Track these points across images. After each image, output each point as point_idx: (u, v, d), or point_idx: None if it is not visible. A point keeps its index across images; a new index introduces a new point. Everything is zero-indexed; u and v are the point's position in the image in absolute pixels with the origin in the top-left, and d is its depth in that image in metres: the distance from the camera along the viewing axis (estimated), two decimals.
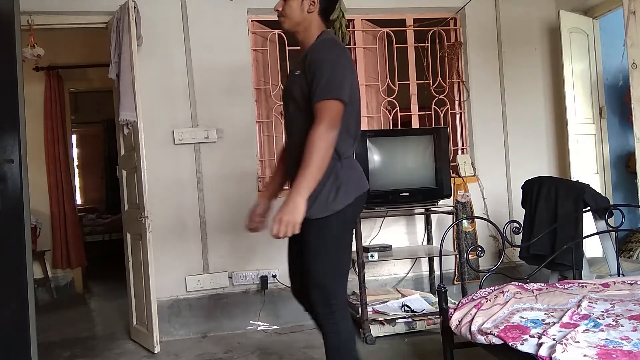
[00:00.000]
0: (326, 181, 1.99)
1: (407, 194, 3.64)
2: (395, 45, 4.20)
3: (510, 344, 1.89)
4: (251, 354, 3.32)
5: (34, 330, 2.29)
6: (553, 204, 3.24)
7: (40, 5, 3.54)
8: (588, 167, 4.16)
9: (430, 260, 4.03)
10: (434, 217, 4.07)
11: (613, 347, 1.71)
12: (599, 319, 1.98)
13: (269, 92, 4.05)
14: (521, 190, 3.54)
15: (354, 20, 4.13)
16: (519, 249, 3.35)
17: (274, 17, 2.22)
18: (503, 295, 2.37)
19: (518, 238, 3.17)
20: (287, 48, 3.91)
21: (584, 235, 3.08)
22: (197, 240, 3.81)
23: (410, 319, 3.45)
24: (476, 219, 3.93)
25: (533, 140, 4.35)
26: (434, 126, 4.18)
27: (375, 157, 3.61)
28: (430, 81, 4.25)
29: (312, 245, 2.00)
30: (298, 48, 2.21)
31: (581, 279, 2.90)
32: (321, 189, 1.97)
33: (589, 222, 3.17)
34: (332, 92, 1.95)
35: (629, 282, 2.51)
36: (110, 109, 4.13)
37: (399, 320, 3.44)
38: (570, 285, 2.54)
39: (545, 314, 2.12)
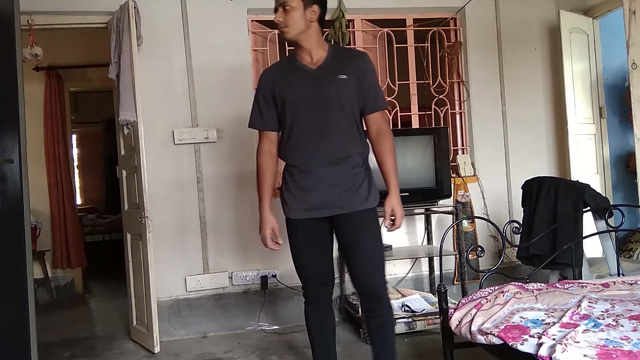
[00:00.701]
0: (372, 176, 2.32)
1: (407, 194, 3.62)
2: (395, 45, 4.19)
3: (510, 344, 1.89)
4: (251, 354, 3.32)
5: (34, 330, 2.29)
6: (553, 204, 3.24)
7: (40, 5, 3.53)
8: (588, 167, 4.16)
9: (430, 260, 4.03)
10: (434, 217, 4.07)
11: (613, 347, 1.71)
12: (599, 319, 1.98)
13: None
14: (521, 190, 3.54)
15: (354, 20, 4.13)
16: (517, 248, 3.35)
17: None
18: (503, 295, 2.37)
19: (518, 238, 3.17)
20: (287, 48, 3.91)
21: (584, 235, 3.08)
22: (197, 240, 3.81)
23: (410, 319, 3.45)
24: (476, 219, 3.93)
25: (533, 140, 4.35)
26: (434, 126, 4.18)
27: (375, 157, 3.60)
28: (430, 81, 4.25)
29: (372, 230, 2.27)
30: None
31: (581, 279, 2.90)
32: (371, 182, 2.31)
33: (589, 222, 3.16)
34: (386, 102, 2.36)
35: (629, 282, 2.51)
36: (110, 109, 4.13)
37: (399, 320, 3.43)
38: (570, 285, 2.54)
39: (545, 314, 2.12)
